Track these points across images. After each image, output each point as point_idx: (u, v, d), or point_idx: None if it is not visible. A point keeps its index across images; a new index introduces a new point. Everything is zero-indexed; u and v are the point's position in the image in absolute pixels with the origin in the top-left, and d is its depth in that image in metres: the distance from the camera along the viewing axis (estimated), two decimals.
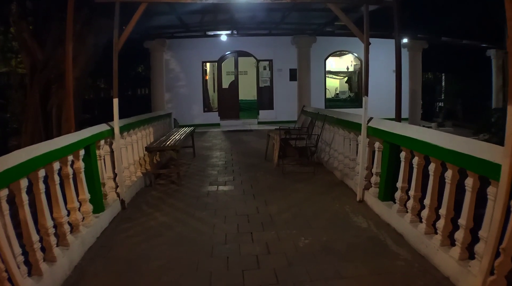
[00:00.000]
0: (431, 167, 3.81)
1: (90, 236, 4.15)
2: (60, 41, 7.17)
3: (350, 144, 6.41)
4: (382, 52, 15.73)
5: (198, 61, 15.28)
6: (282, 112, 15.56)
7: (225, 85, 16.16)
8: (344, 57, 20.68)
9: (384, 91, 15.79)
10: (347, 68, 21.30)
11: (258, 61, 15.84)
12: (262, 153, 8.72)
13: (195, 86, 15.37)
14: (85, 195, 4.26)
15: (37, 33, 7.68)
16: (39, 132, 7.69)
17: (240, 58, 15.92)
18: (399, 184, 4.48)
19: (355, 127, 5.96)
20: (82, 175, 4.27)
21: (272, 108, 15.88)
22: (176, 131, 8.51)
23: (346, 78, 21.48)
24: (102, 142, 4.95)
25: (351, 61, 20.75)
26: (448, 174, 3.50)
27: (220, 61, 15.63)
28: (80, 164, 4.22)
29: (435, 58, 14.62)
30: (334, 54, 16.82)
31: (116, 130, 5.14)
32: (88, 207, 4.31)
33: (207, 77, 16.75)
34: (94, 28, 7.48)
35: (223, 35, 13.24)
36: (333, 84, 21.56)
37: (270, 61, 15.81)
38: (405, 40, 13.79)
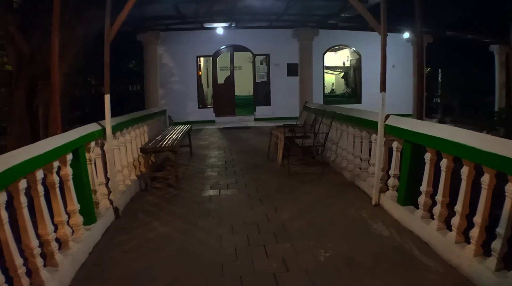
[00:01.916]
0: (464, 170, 3.42)
1: (82, 252, 3.65)
2: (47, 33, 6.60)
3: (361, 143, 5.98)
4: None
5: (193, 55, 14.72)
6: (279, 108, 15.10)
7: (219, 80, 15.62)
8: (340, 52, 20.26)
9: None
10: (344, 64, 20.90)
11: (254, 55, 15.33)
12: (263, 151, 8.25)
13: (189, 82, 14.83)
14: (74, 205, 3.75)
15: (24, 25, 7.10)
16: (25, 133, 7.15)
17: (234, 53, 15.40)
18: (423, 188, 4.07)
19: (368, 125, 5.52)
20: (70, 183, 3.75)
21: (269, 104, 15.39)
22: (172, 129, 7.99)
23: (342, 73, 21.07)
24: (93, 143, 4.43)
25: (348, 56, 20.35)
26: (485, 178, 3.12)
27: (215, 55, 15.09)
28: (68, 171, 3.70)
29: (434, 53, 14.24)
30: (330, 49, 16.33)
31: (108, 130, 4.62)
32: (78, 219, 3.80)
33: (201, 73, 16.20)
34: (83, 19, 6.93)
35: (220, 28, 12.67)
36: (329, 79, 21.13)
37: (267, 55, 15.30)
38: (406, 35, 13.41)
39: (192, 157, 8.27)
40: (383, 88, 4.94)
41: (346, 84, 20.49)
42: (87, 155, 4.32)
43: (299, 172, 6.70)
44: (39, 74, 6.99)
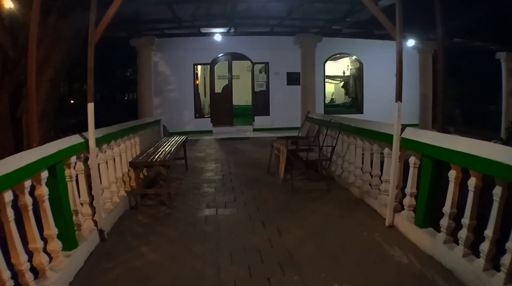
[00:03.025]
0: (497, 191, 3.01)
1: (61, 282, 3.17)
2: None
3: (371, 158, 5.50)
4: (385, 55, 14.98)
5: (190, 63, 14.24)
6: (279, 119, 14.64)
7: (217, 89, 15.16)
8: (340, 60, 19.90)
9: (385, 95, 15.02)
10: (344, 73, 20.51)
11: (253, 63, 14.87)
12: (263, 164, 7.75)
13: (186, 90, 14.33)
14: (51, 230, 3.26)
15: (11, 27, 6.60)
16: (9, 143, 6.62)
17: (233, 62, 14.95)
18: (446, 209, 3.63)
19: (381, 138, 5.05)
20: (46, 204, 3.25)
21: (268, 114, 14.91)
22: (166, 141, 7.47)
23: (342, 82, 20.68)
24: (73, 158, 3.91)
25: (348, 65, 19.99)
26: None
27: (213, 63, 14.63)
28: (43, 190, 3.21)
29: (436, 61, 13.84)
30: (331, 58, 15.90)
31: (92, 143, 4.10)
32: (56, 244, 3.30)
33: (198, 81, 15.72)
34: (72, 19, 6.44)
35: (217, 34, 12.17)
36: (329, 89, 20.72)
37: (266, 63, 14.85)
38: (410, 43, 12.99)
39: (188, 171, 7.74)
40: (399, 97, 4.47)
41: (347, 93, 20.07)
42: (66, 171, 3.82)
43: (303, 188, 6.20)
44: (23, 79, 6.47)
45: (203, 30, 11.61)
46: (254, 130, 14.62)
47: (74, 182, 3.96)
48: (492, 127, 14.19)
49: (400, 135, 4.45)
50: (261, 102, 15.08)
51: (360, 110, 15.55)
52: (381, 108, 14.46)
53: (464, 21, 9.30)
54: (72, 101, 16.14)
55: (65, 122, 13.68)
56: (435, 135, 4.01)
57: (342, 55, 16.52)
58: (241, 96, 18.40)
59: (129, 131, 6.06)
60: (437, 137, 3.89)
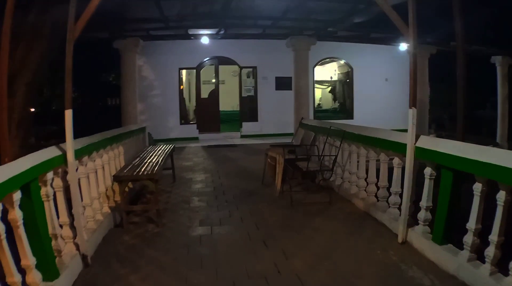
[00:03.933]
0: None
1: None
2: (14, 35, 5.60)
3: (376, 167, 5.12)
4: (375, 59, 14.76)
5: (175, 67, 13.68)
6: (268, 125, 14.21)
7: (203, 95, 14.63)
8: (327, 65, 19.58)
9: (377, 100, 14.80)
10: (331, 78, 20.21)
11: (241, 68, 14.41)
12: (256, 175, 7.28)
13: (171, 96, 13.76)
14: (29, 259, 2.80)
15: None
16: None
17: (219, 66, 14.47)
18: (471, 225, 3.31)
19: (390, 147, 4.66)
20: (21, 230, 2.78)
21: (257, 120, 14.44)
22: (152, 150, 6.94)
23: (330, 88, 20.38)
24: (50, 174, 3.38)
25: (335, 70, 19.71)
26: None
27: (198, 68, 14.11)
28: (17, 214, 2.73)
29: (433, 65, 13.63)
30: (319, 62, 15.58)
31: (70, 155, 3.57)
32: (35, 276, 2.85)
33: (183, 87, 15.17)
34: (52, 18, 5.88)
35: (205, 37, 11.64)
36: (316, 94, 20.39)
37: (254, 68, 14.40)
38: (403, 48, 12.74)
39: (175, 182, 7.20)
40: (413, 103, 4.06)
41: (334, 98, 19.77)
42: (43, 190, 3.30)
43: (302, 201, 5.74)
44: None
45: (191, 32, 11.02)
46: (242, 136, 14.15)
47: (52, 202, 3.43)
48: (484, 132, 14.03)
49: (415, 144, 4.05)
50: (249, 108, 14.62)
51: (350, 116, 15.24)
52: (372, 113, 14.24)
53: (461, 24, 9.04)
54: (53, 107, 15.44)
55: (47, 129, 13.00)
56: (457, 144, 3.65)
57: (332, 59, 16.18)
58: (227, 102, 17.87)
59: (112, 141, 5.51)
60: (459, 147, 3.55)
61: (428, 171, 3.99)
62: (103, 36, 10.31)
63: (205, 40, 11.89)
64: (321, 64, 17.66)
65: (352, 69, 15.30)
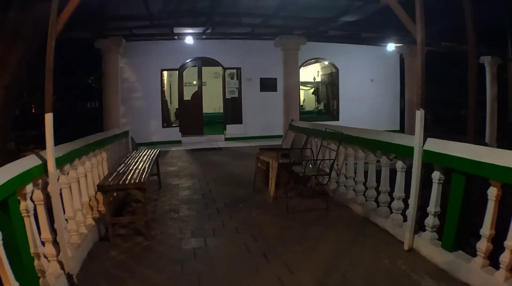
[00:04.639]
0: None
1: None
2: None
3: (374, 171, 4.93)
4: (361, 60, 14.66)
5: (157, 69, 13.25)
6: (252, 127, 13.95)
7: (185, 97, 14.24)
8: (310, 67, 19.41)
9: (362, 101, 14.70)
10: (314, 79, 20.05)
11: (224, 69, 14.06)
12: (246, 180, 7.00)
13: (153, 98, 13.31)
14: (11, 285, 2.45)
15: None
16: None
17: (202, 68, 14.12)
18: (485, 231, 3.18)
19: (394, 150, 4.45)
20: (1, 252, 2.43)
21: (241, 122, 14.13)
22: (137, 155, 6.55)
23: (313, 89, 20.21)
24: (29, 187, 3.01)
25: (318, 71, 19.56)
26: None
27: (181, 69, 13.70)
28: None
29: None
30: (304, 63, 15.39)
31: (51, 165, 3.19)
32: None
33: (165, 88, 14.74)
34: (33, 15, 5.43)
35: (189, 37, 11.21)
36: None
37: (238, 69, 14.09)
38: (390, 48, 12.63)
39: (161, 189, 6.83)
40: (421, 104, 3.82)
41: (317, 100, 19.60)
42: (22, 204, 2.94)
43: (298, 208, 5.46)
44: None
45: (177, 31, 10.57)
46: (226, 139, 13.83)
47: (32, 217, 3.06)
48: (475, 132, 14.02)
49: (423, 147, 3.84)
50: (233, 110, 14.29)
51: (335, 117, 15.09)
52: (357, 114, 14.11)
53: (451, 24, 8.96)
54: (33, 111, 14.78)
55: (27, 133, 12.38)
56: (468, 147, 3.44)
57: (317, 59, 15.98)
58: (209, 104, 17.54)
59: (95, 146, 5.11)
60: (472, 150, 3.36)
61: (436, 175, 3.81)
62: (84, 36, 9.75)
63: (189, 40, 11.48)
64: (304, 66, 17.56)
65: (337, 69, 15.15)
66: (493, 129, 11.91)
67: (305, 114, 17.42)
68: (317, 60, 16.13)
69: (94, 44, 10.03)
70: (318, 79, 19.70)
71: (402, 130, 14.45)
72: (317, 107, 19.26)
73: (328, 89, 17.45)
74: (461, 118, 15.84)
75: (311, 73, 19.96)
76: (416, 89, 3.90)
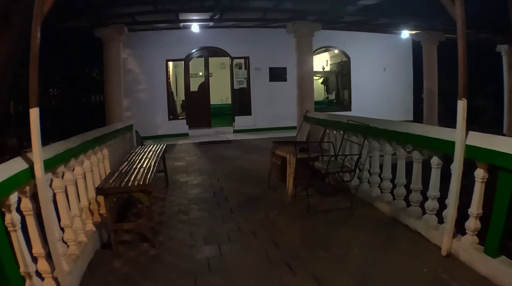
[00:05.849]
0: None
1: None
2: None
3: (404, 166, 4.45)
4: (373, 48, 14.10)
5: (162, 59, 12.76)
6: (262, 118, 13.47)
7: (192, 88, 13.75)
8: (318, 56, 18.79)
9: (374, 91, 14.16)
10: (323, 68, 19.44)
11: (232, 58, 13.54)
12: (259, 175, 6.57)
13: (158, 90, 12.85)
14: None
15: None
16: None
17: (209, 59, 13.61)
18: None
19: (429, 144, 3.95)
20: None
21: (250, 114, 13.64)
22: (142, 151, 6.10)
23: (322, 79, 19.61)
24: (15, 196, 2.56)
25: (327, 61, 18.94)
26: None
27: (187, 59, 13.20)
28: None
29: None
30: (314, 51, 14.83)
31: (38, 169, 2.74)
32: None
33: (170, 80, 14.26)
34: (22, 6, 4.98)
35: (195, 25, 10.69)
36: None
37: (247, 58, 13.56)
38: (405, 35, 12.07)
39: (169, 187, 6.38)
40: (463, 94, 3.32)
41: (327, 90, 19.00)
42: (7, 217, 2.51)
43: (319, 207, 4.98)
44: None
45: (182, 17, 9.99)
46: (235, 131, 13.35)
47: (20, 231, 2.62)
48: (481, 123, 13.40)
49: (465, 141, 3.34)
50: (241, 101, 13.80)
51: (347, 107, 14.54)
52: (369, 104, 13.58)
53: (469, 10, 8.39)
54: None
55: (26, 130, 12.01)
56: None
57: (327, 48, 15.39)
58: (216, 95, 17.05)
59: (95, 143, 4.65)
60: None
61: (480, 173, 3.33)
62: (83, 25, 9.25)
63: (195, 29, 10.94)
64: (313, 55, 17.01)
65: (349, 58, 14.58)
66: (511, 119, 11.33)
67: (315, 105, 16.87)
68: (327, 48, 15.54)
69: (94, 32, 9.50)
70: (327, 68, 19.10)
71: (415, 120, 13.95)
72: (327, 97, 18.68)
73: (338, 78, 16.86)
74: (473, 109, 15.22)
75: (320, 62, 19.34)
76: (458, 77, 3.40)
